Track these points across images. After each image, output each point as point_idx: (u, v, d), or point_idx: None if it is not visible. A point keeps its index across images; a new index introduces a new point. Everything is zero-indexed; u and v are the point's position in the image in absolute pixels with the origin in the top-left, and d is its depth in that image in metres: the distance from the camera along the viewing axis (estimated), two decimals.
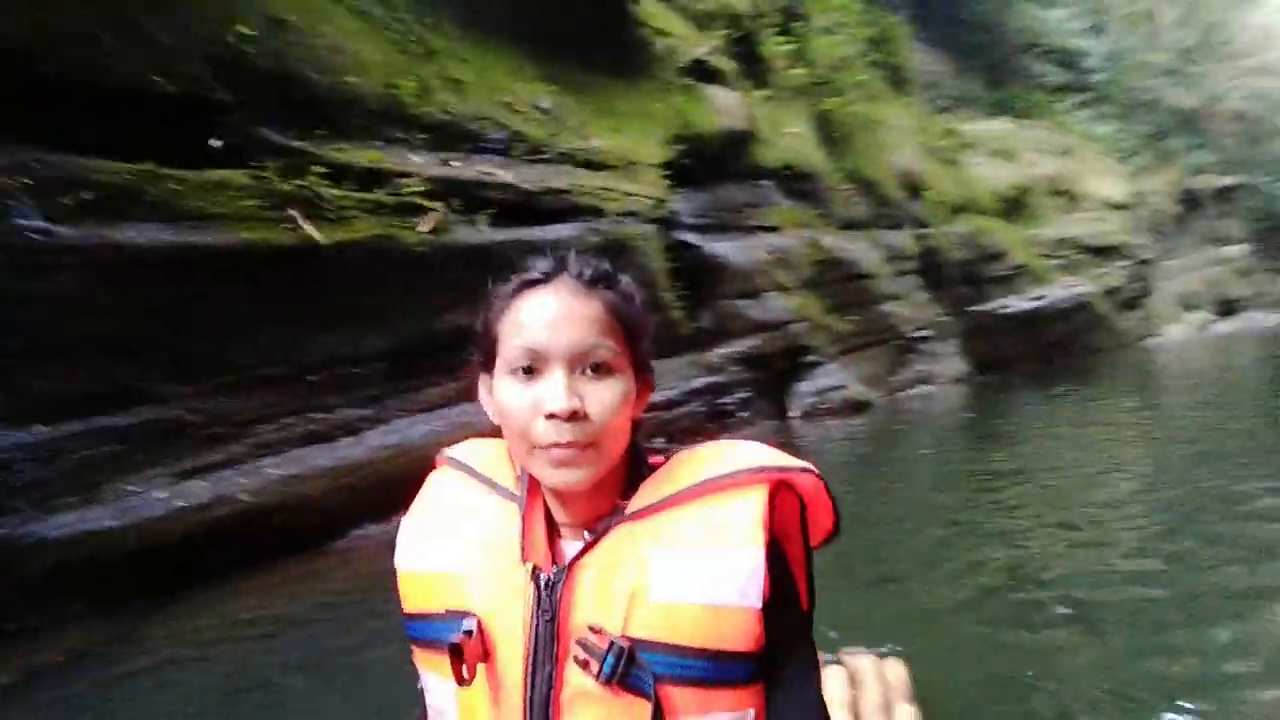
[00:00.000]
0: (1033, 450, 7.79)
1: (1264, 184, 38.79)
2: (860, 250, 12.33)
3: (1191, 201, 31.06)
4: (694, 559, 0.92)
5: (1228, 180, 34.41)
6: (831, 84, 13.63)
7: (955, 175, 18.21)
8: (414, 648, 1.04)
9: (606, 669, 0.90)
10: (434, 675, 1.02)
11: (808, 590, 1.01)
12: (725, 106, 10.53)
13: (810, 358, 10.18)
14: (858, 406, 10.17)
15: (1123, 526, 4.79)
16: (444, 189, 6.22)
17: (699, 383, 8.40)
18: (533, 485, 1.02)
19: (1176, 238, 29.40)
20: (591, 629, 0.92)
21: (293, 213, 5.12)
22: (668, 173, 9.12)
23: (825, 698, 0.99)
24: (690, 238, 9.23)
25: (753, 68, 11.84)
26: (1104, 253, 20.97)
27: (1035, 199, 21.00)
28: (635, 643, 0.91)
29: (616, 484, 1.00)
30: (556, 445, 0.92)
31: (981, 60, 25.70)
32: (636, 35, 9.68)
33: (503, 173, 6.94)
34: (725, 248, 9.68)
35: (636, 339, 1.00)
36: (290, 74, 5.50)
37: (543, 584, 0.95)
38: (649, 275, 8.10)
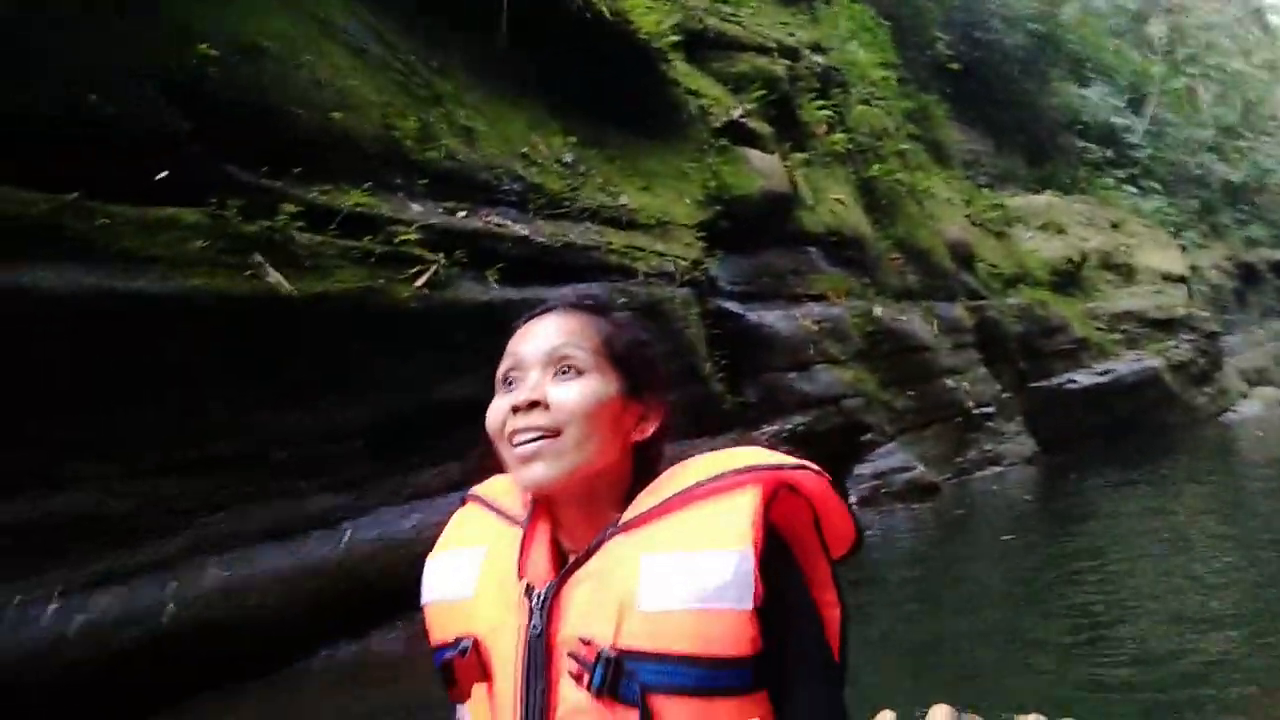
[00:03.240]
0: (1115, 535, 7.55)
1: None
2: (914, 321, 11.35)
3: (1249, 275, 29.83)
4: (680, 563, 0.91)
5: None
6: (873, 151, 12.92)
7: (1005, 248, 17.30)
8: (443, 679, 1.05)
9: (596, 680, 0.89)
10: (460, 704, 1.03)
11: (838, 599, 0.98)
12: (764, 169, 9.75)
13: (869, 436, 9.10)
14: (925, 490, 9.10)
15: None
16: (445, 240, 5.36)
17: None
18: (537, 510, 1.03)
19: (1237, 312, 28.07)
20: (582, 641, 0.92)
21: (257, 258, 4.27)
22: (703, 235, 8.29)
23: None
24: (730, 305, 8.40)
25: (790, 131, 11.10)
26: (1167, 326, 19.71)
27: (1089, 272, 19.99)
28: (623, 652, 0.90)
29: (616, 504, 0.99)
30: (517, 432, 0.94)
31: (1021, 138, 25.10)
32: (668, 95, 9.00)
33: (516, 225, 6.10)
34: (769, 316, 8.82)
35: (622, 358, 1.00)
36: (266, 106, 4.74)
37: (534, 600, 0.95)
38: (684, 342, 7.15)
